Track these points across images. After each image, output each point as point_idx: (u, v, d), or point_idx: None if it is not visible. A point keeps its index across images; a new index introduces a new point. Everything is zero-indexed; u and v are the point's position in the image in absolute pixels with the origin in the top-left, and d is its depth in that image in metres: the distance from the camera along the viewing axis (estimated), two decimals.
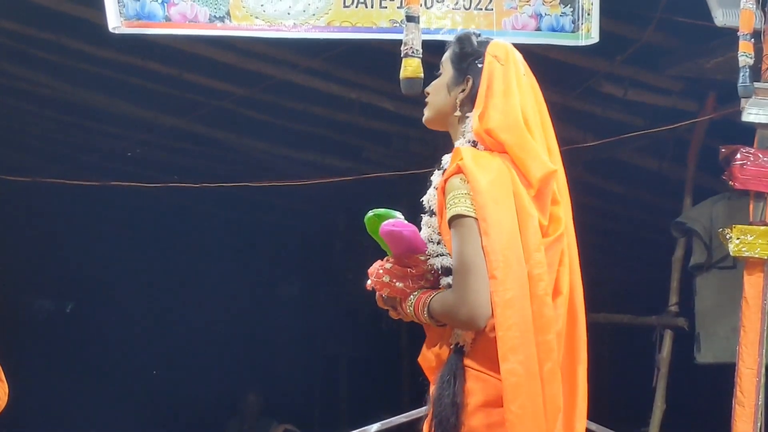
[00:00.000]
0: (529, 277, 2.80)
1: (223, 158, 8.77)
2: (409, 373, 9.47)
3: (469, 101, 3.01)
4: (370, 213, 3.00)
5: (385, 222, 2.94)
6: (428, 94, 3.12)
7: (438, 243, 2.91)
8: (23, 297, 10.91)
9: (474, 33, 3.11)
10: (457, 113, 3.01)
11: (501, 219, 2.80)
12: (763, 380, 4.88)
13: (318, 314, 10.76)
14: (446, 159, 2.99)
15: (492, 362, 2.82)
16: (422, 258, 2.91)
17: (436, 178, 2.99)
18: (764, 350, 4.87)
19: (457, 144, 3.00)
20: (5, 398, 4.30)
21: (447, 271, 2.88)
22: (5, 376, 4.31)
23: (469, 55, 3.03)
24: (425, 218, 2.98)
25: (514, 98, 2.95)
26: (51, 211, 9.44)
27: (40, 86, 7.55)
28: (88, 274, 10.38)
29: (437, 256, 2.90)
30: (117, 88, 7.31)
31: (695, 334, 6.42)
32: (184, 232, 10.06)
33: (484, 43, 3.05)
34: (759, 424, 4.86)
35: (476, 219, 2.79)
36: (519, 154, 2.91)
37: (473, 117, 2.96)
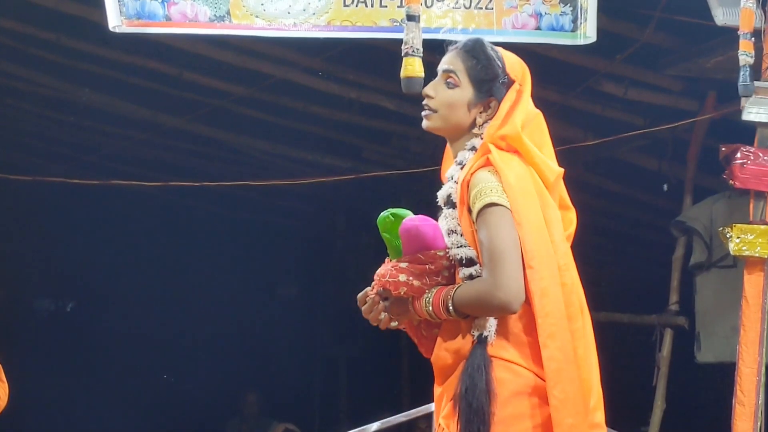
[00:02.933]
0: (558, 267, 2.88)
1: (223, 157, 8.77)
2: (408, 373, 9.48)
3: (489, 119, 3.01)
4: (386, 213, 2.99)
5: (409, 218, 2.94)
6: (428, 96, 3.06)
7: (461, 234, 2.92)
8: (23, 296, 10.91)
9: (490, 47, 3.05)
10: (477, 131, 3.02)
11: (531, 211, 2.87)
12: (763, 379, 4.87)
13: (318, 314, 10.76)
14: (464, 154, 3.00)
15: (518, 352, 2.86)
16: (440, 254, 2.91)
17: (455, 172, 2.99)
18: (764, 349, 4.86)
19: (472, 141, 3.00)
20: (5, 398, 4.30)
21: (470, 262, 2.88)
22: (5, 376, 4.32)
23: (494, 78, 3.00)
24: (445, 210, 2.98)
25: (526, 113, 3.00)
26: (51, 210, 9.44)
27: (40, 86, 7.55)
28: (89, 274, 10.38)
29: (460, 246, 2.90)
30: (117, 88, 7.31)
31: (695, 333, 6.42)
32: (184, 231, 10.07)
33: (501, 59, 3.03)
34: (759, 424, 4.85)
35: (509, 209, 2.84)
36: (535, 155, 2.96)
37: (490, 125, 2.98)
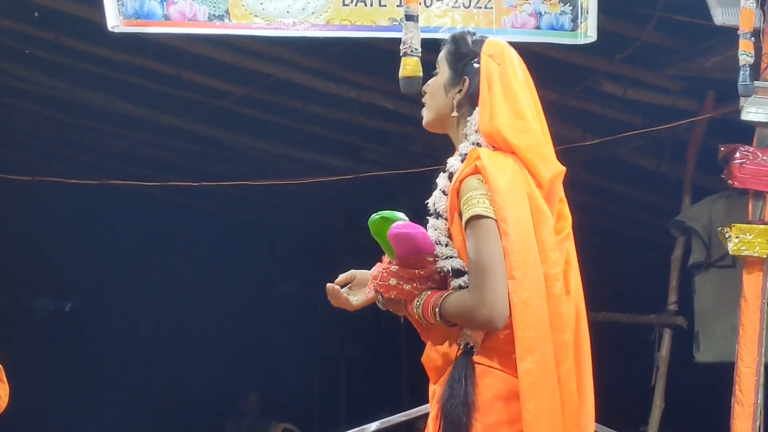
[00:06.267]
0: (546, 276, 2.83)
1: (222, 157, 8.77)
2: (407, 373, 9.48)
3: (467, 102, 3.00)
4: (376, 216, 2.97)
5: (395, 224, 2.91)
6: (425, 93, 3.10)
7: (446, 245, 2.89)
8: (22, 296, 10.91)
9: (469, 32, 3.08)
10: (455, 114, 3.00)
11: (520, 219, 2.81)
12: (762, 379, 4.87)
13: (317, 314, 10.76)
14: (452, 161, 2.97)
15: (503, 359, 2.83)
16: (430, 259, 2.89)
17: (442, 180, 2.97)
18: (763, 349, 4.86)
19: (460, 147, 2.98)
20: (6, 399, 4.29)
21: (457, 273, 2.85)
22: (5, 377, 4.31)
23: (464, 56, 3.01)
24: (431, 221, 2.95)
25: (518, 99, 2.96)
26: (50, 209, 9.44)
27: (39, 85, 7.55)
28: (88, 273, 10.38)
29: (446, 258, 2.87)
30: (116, 87, 7.31)
31: (694, 333, 6.42)
32: (184, 231, 10.07)
33: (479, 42, 3.03)
34: (758, 423, 4.85)
35: (495, 220, 2.79)
36: (527, 156, 2.91)
37: (479, 117, 2.95)
